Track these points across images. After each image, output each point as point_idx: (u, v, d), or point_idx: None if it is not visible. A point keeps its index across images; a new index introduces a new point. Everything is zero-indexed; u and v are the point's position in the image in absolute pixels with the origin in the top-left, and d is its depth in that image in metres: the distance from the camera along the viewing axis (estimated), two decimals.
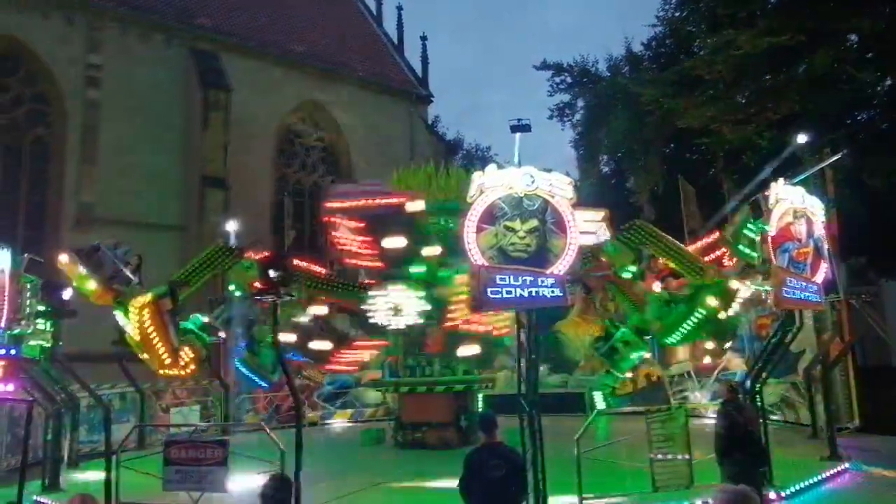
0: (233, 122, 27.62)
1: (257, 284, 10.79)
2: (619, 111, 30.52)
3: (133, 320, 12.32)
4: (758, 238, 10.90)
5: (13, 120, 25.30)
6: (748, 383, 11.39)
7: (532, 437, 8.21)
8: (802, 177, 11.34)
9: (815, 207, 10.75)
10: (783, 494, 9.78)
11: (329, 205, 12.23)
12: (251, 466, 9.72)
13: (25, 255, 12.98)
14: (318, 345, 13.48)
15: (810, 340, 15.49)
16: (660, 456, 9.56)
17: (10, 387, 10.76)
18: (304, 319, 14.16)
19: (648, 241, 12.49)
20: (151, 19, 27.89)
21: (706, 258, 12.91)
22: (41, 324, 13.45)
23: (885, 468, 11.92)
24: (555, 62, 34.06)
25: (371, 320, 12.35)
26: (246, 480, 9.43)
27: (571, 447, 9.27)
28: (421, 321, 12.73)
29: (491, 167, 8.82)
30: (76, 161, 25.25)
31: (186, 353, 12.90)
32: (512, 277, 8.06)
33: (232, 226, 19.12)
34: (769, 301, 11.62)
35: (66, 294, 13.94)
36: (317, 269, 14.54)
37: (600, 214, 12.25)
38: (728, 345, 14.48)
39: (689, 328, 12.56)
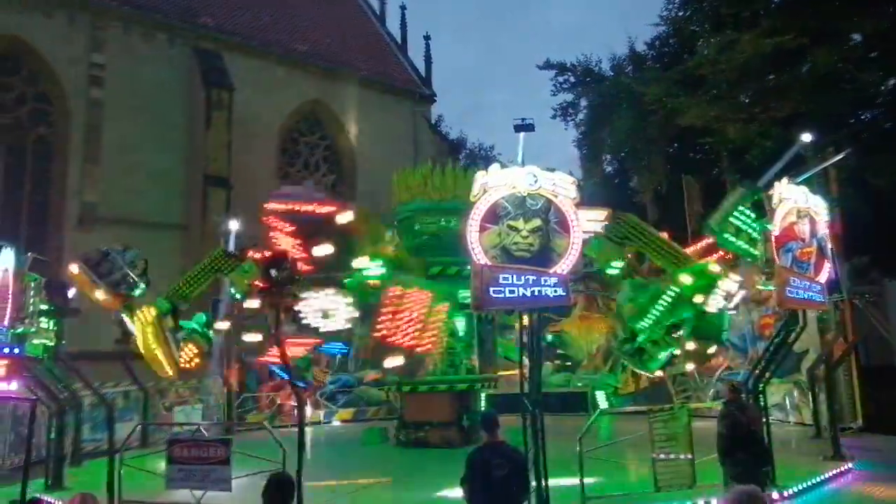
0: (236, 122, 27.61)
1: (258, 283, 10.80)
2: (622, 110, 30.51)
3: (138, 332, 12.57)
4: (747, 227, 10.81)
5: (16, 119, 25.32)
6: (751, 383, 11.37)
7: (534, 436, 8.22)
8: (806, 176, 11.30)
9: (819, 207, 10.73)
10: (786, 494, 9.76)
11: (267, 206, 12.33)
12: (253, 465, 9.74)
13: (29, 253, 13.04)
14: (249, 336, 13.74)
15: (814, 340, 15.47)
16: (662, 455, 9.55)
17: (14, 385, 10.80)
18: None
19: (634, 235, 12.32)
20: (154, 18, 27.90)
21: (707, 258, 12.87)
22: (44, 322, 13.48)
23: (888, 468, 11.91)
24: (558, 62, 34.15)
25: (304, 321, 12.47)
26: (248, 479, 9.44)
27: (574, 446, 9.27)
28: (350, 327, 12.75)
29: (494, 167, 8.82)
30: (79, 160, 25.27)
31: (190, 350, 13.00)
32: (515, 277, 8.07)
33: (234, 225, 19.17)
34: (771, 300, 11.58)
35: (70, 293, 14.00)
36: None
37: (603, 214, 12.26)
38: (712, 349, 13.63)
39: (661, 309, 12.13)
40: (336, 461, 14.67)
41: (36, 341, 13.14)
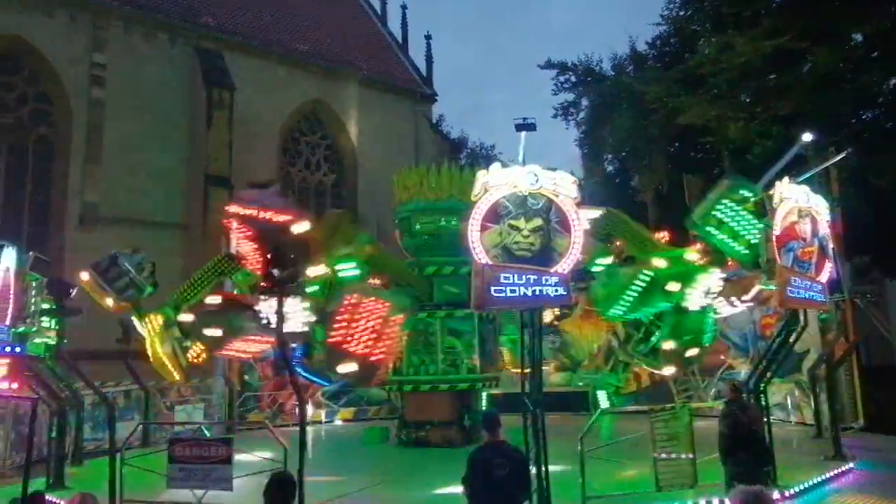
0: (237, 121, 27.62)
1: (262, 283, 10.81)
2: (623, 110, 30.51)
3: (147, 339, 12.73)
4: (730, 220, 10.60)
5: (18, 119, 25.32)
6: (752, 383, 11.37)
7: (536, 435, 8.22)
8: (807, 175, 11.28)
9: (820, 206, 10.71)
10: (787, 494, 9.76)
11: (227, 209, 12.46)
12: (255, 465, 9.75)
13: (31, 253, 13.05)
14: (210, 331, 13.92)
15: (815, 340, 15.46)
16: (663, 455, 9.55)
17: (15, 385, 10.80)
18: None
19: (619, 228, 12.19)
20: (156, 18, 27.91)
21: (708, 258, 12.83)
22: (46, 322, 13.53)
23: (889, 468, 11.91)
24: (559, 61, 34.18)
25: (263, 321, 12.58)
26: (249, 479, 9.45)
27: (575, 446, 9.27)
28: (307, 330, 12.87)
29: (495, 166, 8.82)
30: (80, 160, 25.27)
31: (198, 346, 13.08)
32: (516, 276, 8.07)
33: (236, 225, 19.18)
34: (772, 300, 11.45)
35: (72, 292, 14.03)
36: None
37: (598, 213, 12.23)
38: (693, 352, 12.31)
39: (633, 295, 11.64)
40: (337, 460, 14.68)
41: (37, 340, 13.18)
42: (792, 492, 9.86)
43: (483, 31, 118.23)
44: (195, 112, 27.54)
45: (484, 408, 17.27)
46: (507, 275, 8.04)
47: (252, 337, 12.71)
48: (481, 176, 8.60)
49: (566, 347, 21.79)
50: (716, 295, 11.58)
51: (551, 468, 8.27)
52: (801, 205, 10.37)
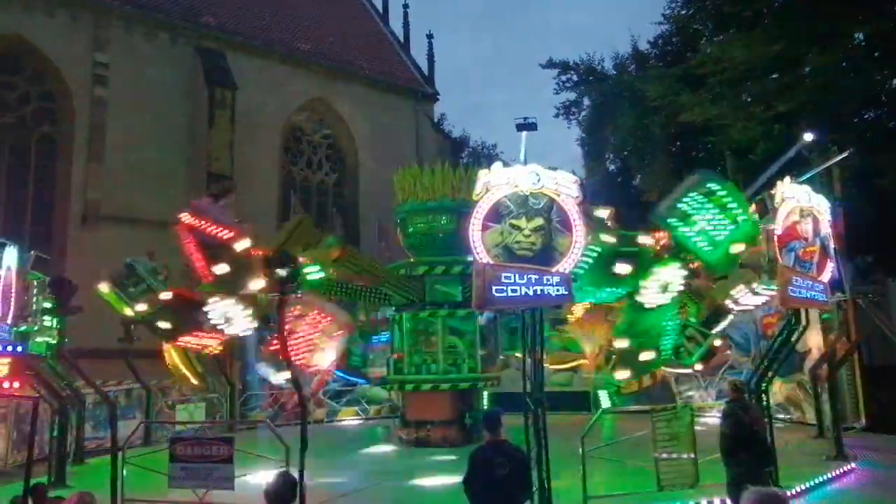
0: (238, 121, 27.65)
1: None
2: (625, 109, 30.47)
3: (165, 348, 12.86)
4: (695, 213, 10.25)
5: (20, 118, 25.37)
6: (754, 382, 11.34)
7: (537, 435, 8.22)
8: (809, 175, 11.25)
9: (822, 206, 10.69)
10: (789, 494, 9.74)
11: (180, 215, 12.65)
12: (256, 464, 9.76)
13: (32, 252, 13.09)
14: (162, 324, 14.09)
15: (816, 340, 15.44)
16: (665, 455, 9.54)
17: (17, 384, 10.80)
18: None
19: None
20: (157, 18, 27.94)
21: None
22: (47, 321, 13.56)
23: (891, 468, 11.89)
24: (561, 60, 34.13)
25: (211, 321, 12.73)
26: (251, 478, 9.46)
27: (576, 446, 9.26)
28: (250, 334, 12.99)
29: (497, 165, 8.81)
30: (83, 159, 25.31)
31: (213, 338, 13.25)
32: (517, 276, 8.06)
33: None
34: (773, 299, 11.40)
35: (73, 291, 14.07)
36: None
37: (606, 213, 12.22)
38: (646, 356, 11.32)
39: (578, 272, 11.30)
40: (338, 459, 14.69)
41: (39, 339, 13.21)
42: (794, 492, 9.84)
43: (485, 29, 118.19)
44: (197, 111, 27.57)
45: (485, 407, 17.28)
46: (508, 274, 8.03)
47: (202, 332, 12.93)
48: (483, 175, 8.60)
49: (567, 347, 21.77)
50: (675, 294, 10.80)
51: (552, 468, 8.27)
52: (802, 204, 10.34)
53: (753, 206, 11.17)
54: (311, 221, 12.90)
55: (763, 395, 11.03)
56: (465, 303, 16.00)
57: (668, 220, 10.40)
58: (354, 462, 14.72)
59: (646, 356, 11.51)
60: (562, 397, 19.22)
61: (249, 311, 11.73)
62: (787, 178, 10.45)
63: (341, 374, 18.57)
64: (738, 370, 18.01)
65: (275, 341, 11.68)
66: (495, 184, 8.43)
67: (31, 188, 25.16)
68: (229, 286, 11.42)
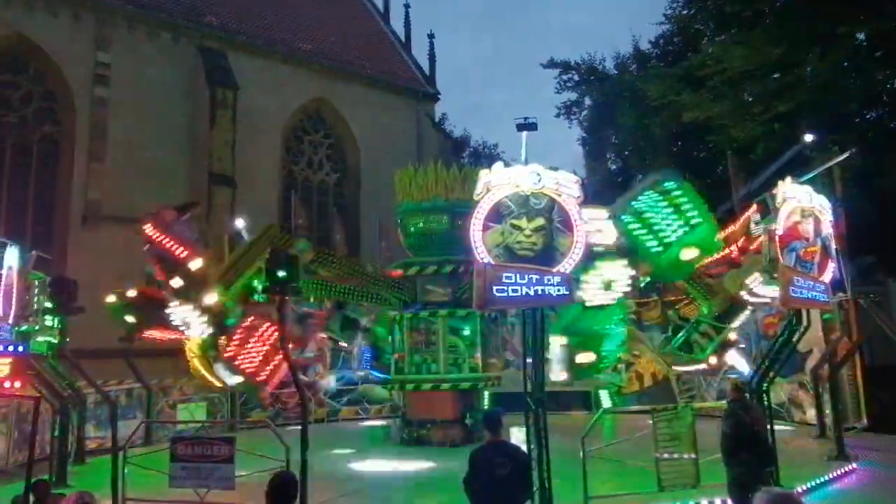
0: (240, 120, 27.67)
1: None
2: (626, 109, 30.46)
3: (189, 359, 13.39)
4: (648, 210, 9.98)
5: (22, 118, 25.37)
6: (755, 383, 11.33)
7: (538, 435, 8.21)
8: (810, 175, 11.24)
9: (823, 206, 10.68)
10: None
11: (141, 225, 12.79)
12: (257, 463, 9.75)
13: (33, 251, 13.09)
14: (128, 317, 14.62)
15: (818, 340, 15.42)
16: (666, 455, 9.53)
17: (18, 383, 10.81)
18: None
19: None
20: (159, 17, 27.96)
21: (710, 261, 12.72)
22: (49, 320, 13.56)
23: (892, 468, 11.88)
24: (562, 60, 34.12)
25: (172, 322, 12.93)
26: (251, 477, 9.45)
27: (577, 446, 9.26)
28: (206, 338, 13.17)
29: (498, 165, 8.81)
30: (84, 158, 25.33)
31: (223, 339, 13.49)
32: (518, 276, 8.04)
33: (241, 223, 19.33)
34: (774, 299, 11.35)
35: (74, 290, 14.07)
36: None
37: (607, 212, 12.17)
38: (584, 358, 10.31)
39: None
40: (339, 459, 14.69)
41: (40, 339, 13.22)
42: (795, 492, 9.83)
43: (487, 29, 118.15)
44: (198, 111, 27.59)
45: (486, 406, 17.28)
46: (509, 274, 8.02)
47: (167, 329, 13.35)
48: (484, 175, 8.58)
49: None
50: (621, 295, 9.95)
51: (553, 468, 8.27)
52: (804, 205, 10.33)
53: (754, 206, 11.16)
54: (279, 228, 13.12)
55: (764, 395, 11.03)
56: (455, 303, 16.09)
57: (622, 217, 9.96)
58: (355, 462, 14.72)
59: (582, 358, 10.48)
60: (562, 397, 19.20)
61: (205, 318, 12.15)
62: (789, 179, 10.44)
63: (376, 374, 18.78)
64: (740, 370, 18.01)
65: (229, 347, 12.00)
66: (496, 184, 8.41)
67: (32, 188, 25.17)
68: (185, 297, 11.93)
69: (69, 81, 25.52)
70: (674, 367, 15.73)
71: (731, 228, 13.42)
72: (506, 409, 7.57)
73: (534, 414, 8.32)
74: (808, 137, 11.21)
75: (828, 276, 10.63)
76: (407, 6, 39.36)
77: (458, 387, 15.88)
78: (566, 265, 8.20)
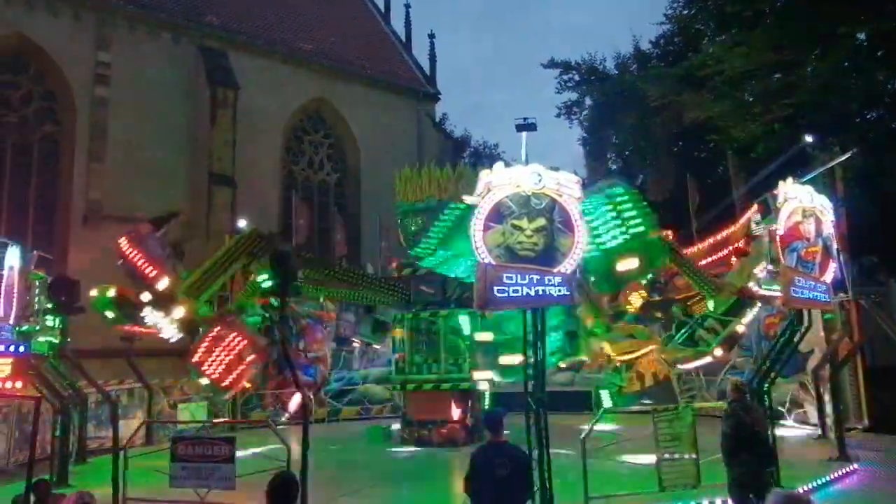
0: (240, 120, 27.67)
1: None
2: (627, 109, 30.43)
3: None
4: (589, 214, 9.78)
5: (23, 117, 25.38)
6: (756, 383, 11.33)
7: (538, 435, 8.20)
8: (811, 175, 11.24)
9: (825, 206, 10.68)
10: None
11: (118, 238, 12.97)
12: (257, 463, 9.75)
13: (34, 251, 13.09)
14: (108, 312, 14.49)
15: (819, 340, 15.42)
16: (667, 455, 9.52)
17: (19, 383, 10.82)
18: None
19: None
20: (159, 17, 27.95)
21: (712, 257, 12.77)
22: (49, 320, 13.56)
23: (893, 468, 11.87)
24: (563, 60, 34.09)
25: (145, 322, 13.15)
26: (252, 477, 9.44)
27: (578, 446, 9.25)
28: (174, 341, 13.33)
29: (498, 165, 8.80)
30: (85, 158, 25.31)
31: None
32: (519, 276, 8.04)
33: (243, 224, 19.39)
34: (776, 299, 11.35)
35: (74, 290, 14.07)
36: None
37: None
38: (508, 360, 10.28)
39: (438, 234, 10.78)
40: (340, 459, 14.69)
41: (41, 339, 13.22)
42: (807, 494, 9.81)
43: (485, 30, 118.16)
44: (199, 111, 27.59)
45: (486, 406, 17.26)
46: (510, 275, 8.02)
47: (143, 328, 13.52)
48: (484, 175, 8.58)
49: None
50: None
51: (553, 468, 8.26)
52: (805, 205, 10.34)
53: (755, 206, 11.16)
54: (257, 233, 13.22)
55: (765, 396, 11.02)
56: (445, 303, 16.15)
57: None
58: (356, 461, 14.72)
59: (507, 360, 10.61)
60: (563, 397, 19.20)
61: (175, 326, 12.44)
62: (790, 179, 10.44)
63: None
64: (740, 370, 18.00)
65: (196, 353, 12.22)
66: (497, 184, 8.41)
67: (32, 188, 25.18)
68: (155, 307, 12.28)
69: (69, 81, 25.52)
70: (677, 367, 15.75)
71: (731, 228, 13.45)
72: (506, 409, 7.56)
73: (535, 414, 8.32)
74: (808, 138, 11.22)
75: (829, 277, 10.63)
76: (407, 6, 39.39)
77: (458, 387, 15.87)
78: (567, 265, 8.20)
